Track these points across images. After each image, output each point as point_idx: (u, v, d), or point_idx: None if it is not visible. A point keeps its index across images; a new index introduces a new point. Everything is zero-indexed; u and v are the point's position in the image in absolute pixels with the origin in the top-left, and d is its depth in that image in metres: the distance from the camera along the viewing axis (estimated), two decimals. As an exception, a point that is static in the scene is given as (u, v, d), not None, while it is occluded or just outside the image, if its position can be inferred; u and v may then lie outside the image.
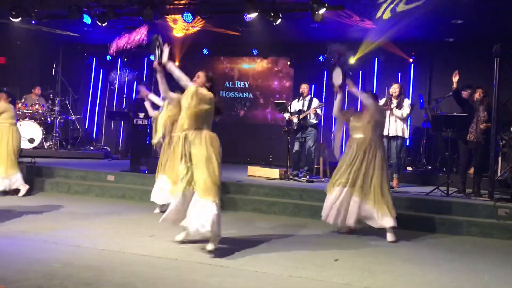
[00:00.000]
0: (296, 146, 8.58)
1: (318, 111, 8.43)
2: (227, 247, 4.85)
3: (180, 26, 9.30)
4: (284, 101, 9.10)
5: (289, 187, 7.42)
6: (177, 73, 4.77)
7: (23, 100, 10.58)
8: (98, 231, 5.38)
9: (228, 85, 12.24)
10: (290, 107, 8.65)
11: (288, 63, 11.61)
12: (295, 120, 8.43)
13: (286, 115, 8.63)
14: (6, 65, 10.88)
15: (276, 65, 12.00)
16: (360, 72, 10.92)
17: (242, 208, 7.10)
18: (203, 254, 4.59)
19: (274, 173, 8.35)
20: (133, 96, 12.44)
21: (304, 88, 8.59)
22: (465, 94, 7.74)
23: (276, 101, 9.59)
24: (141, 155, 8.46)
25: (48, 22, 9.23)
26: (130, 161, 8.56)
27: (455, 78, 7.09)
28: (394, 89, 7.60)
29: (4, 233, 5.01)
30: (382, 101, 7.35)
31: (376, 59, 10.85)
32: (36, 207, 6.56)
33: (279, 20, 7.61)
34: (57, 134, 10.86)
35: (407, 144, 9.52)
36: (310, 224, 6.38)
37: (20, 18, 8.23)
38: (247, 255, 4.65)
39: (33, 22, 8.78)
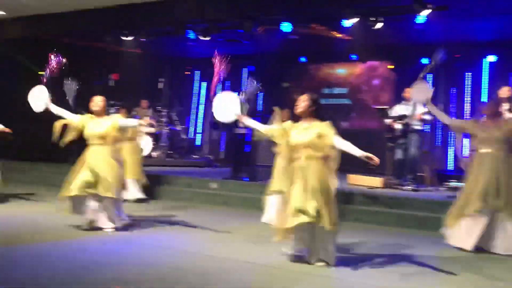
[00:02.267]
0: (399, 153, 8.25)
1: (426, 117, 8.01)
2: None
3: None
4: (386, 107, 8.81)
5: (392, 196, 7.16)
6: (260, 127, 4.73)
7: (134, 113, 11.35)
8: (203, 237, 5.58)
9: (326, 92, 12.15)
10: (392, 113, 8.35)
11: (389, 67, 11.25)
12: (397, 126, 8.13)
13: (388, 121, 8.35)
14: (119, 80, 11.77)
15: (376, 69, 11.69)
16: (466, 73, 10.29)
17: (343, 217, 6.94)
18: (306, 263, 4.58)
19: (376, 181, 8.10)
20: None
21: (408, 92, 8.24)
22: None
23: (377, 107, 9.32)
24: (242, 163, 8.67)
25: (155, 39, 9.86)
26: (232, 169, 8.81)
27: None
28: (506, 92, 7.08)
29: (120, 238, 5.38)
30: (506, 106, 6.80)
31: (485, 59, 10.15)
32: (146, 213, 6.98)
33: (380, 24, 7.42)
34: (164, 144, 11.50)
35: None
36: (417, 235, 6.09)
37: (131, 37, 8.88)
38: (349, 266, 4.54)
39: (142, 40, 9.42)
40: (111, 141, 5.72)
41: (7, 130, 7.39)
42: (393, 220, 6.68)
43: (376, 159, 4.51)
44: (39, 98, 6.13)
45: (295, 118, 4.77)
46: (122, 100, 10.81)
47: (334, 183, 4.62)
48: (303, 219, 4.37)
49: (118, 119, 5.86)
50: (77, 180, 5.56)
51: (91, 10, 8.65)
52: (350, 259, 4.75)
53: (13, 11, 9.06)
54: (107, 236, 5.43)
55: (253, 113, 8.94)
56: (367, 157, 4.52)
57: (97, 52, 10.87)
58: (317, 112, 4.64)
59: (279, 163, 6.00)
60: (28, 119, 10.99)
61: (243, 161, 8.69)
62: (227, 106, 5.42)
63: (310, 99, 4.63)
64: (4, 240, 5.05)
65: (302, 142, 4.52)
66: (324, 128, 4.53)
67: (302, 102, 4.62)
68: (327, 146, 4.52)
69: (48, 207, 7.27)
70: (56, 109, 5.99)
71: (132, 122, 6.14)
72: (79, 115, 5.86)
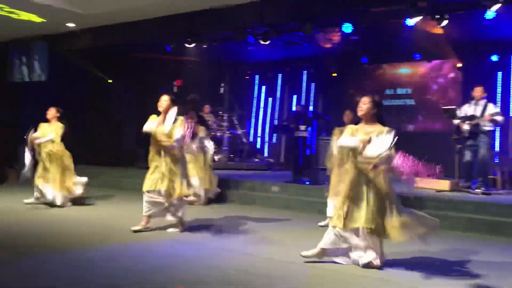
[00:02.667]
0: (468, 155, 7.90)
1: (498, 118, 7.60)
2: (394, 261, 4.66)
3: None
4: (453, 107, 8.46)
5: (461, 199, 6.87)
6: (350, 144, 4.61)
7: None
8: (266, 240, 5.61)
9: (389, 93, 11.87)
10: (460, 113, 8.01)
11: (456, 65, 10.82)
12: (465, 127, 7.79)
13: (456, 122, 8.02)
14: (182, 86, 12.07)
15: (441, 68, 11.27)
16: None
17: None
18: (372, 270, 4.49)
19: (444, 184, 7.80)
20: (293, 110, 12.81)
21: (477, 91, 7.85)
22: None
23: (443, 107, 8.96)
24: (303, 167, 8.64)
25: (216, 44, 10.06)
26: (293, 172, 8.80)
27: None
28: None
29: (186, 240, 5.52)
30: None
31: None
32: (210, 216, 7.11)
33: (445, 22, 7.15)
34: (226, 148, 11.67)
35: None
36: (488, 240, 5.81)
37: (193, 44, 9.10)
38: (414, 271, 4.41)
39: (204, 46, 9.62)
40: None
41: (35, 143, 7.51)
42: (462, 225, 6.42)
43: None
44: None
45: (357, 120, 4.71)
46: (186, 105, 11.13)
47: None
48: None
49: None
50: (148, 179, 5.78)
51: (154, 19, 8.94)
52: (414, 264, 4.62)
53: (82, 23, 9.57)
54: (172, 238, 5.58)
55: (313, 116, 8.93)
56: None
57: (161, 59, 11.24)
58: (379, 115, 4.57)
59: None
60: (98, 126, 11.62)
61: (304, 164, 8.65)
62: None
63: (372, 101, 4.56)
64: (78, 242, 5.32)
65: None
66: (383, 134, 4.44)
67: (364, 105, 4.56)
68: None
69: (115, 209, 7.59)
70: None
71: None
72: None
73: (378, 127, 4.52)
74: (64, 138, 7.58)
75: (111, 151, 11.48)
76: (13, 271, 4.18)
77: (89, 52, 10.43)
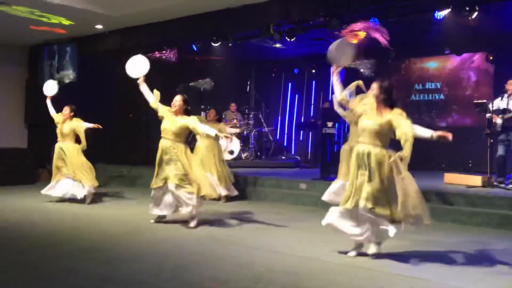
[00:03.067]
0: (500, 150, 7.71)
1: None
2: (429, 260, 4.58)
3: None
4: (485, 101, 8.25)
5: (494, 195, 6.71)
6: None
7: (223, 116, 11.67)
8: (294, 238, 5.59)
9: (417, 87, 11.66)
10: (492, 107, 7.81)
11: (487, 58, 10.55)
12: (498, 121, 7.59)
13: (488, 116, 7.83)
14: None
15: (472, 61, 11.00)
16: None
17: (439, 218, 6.62)
18: (399, 264, 4.43)
19: (476, 180, 7.62)
20: (320, 106, 12.72)
21: (510, 84, 7.63)
22: None
23: (475, 101, 8.74)
24: (330, 164, 8.57)
25: (242, 43, 10.07)
26: (320, 170, 8.74)
27: None
28: None
29: (215, 237, 5.55)
30: None
31: None
32: (238, 213, 7.13)
33: (476, 14, 6.97)
34: (252, 146, 11.69)
35: None
36: (524, 238, 5.65)
37: (219, 43, 9.13)
38: (451, 269, 4.33)
39: (230, 44, 9.65)
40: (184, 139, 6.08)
41: (95, 125, 7.84)
42: (495, 222, 6.27)
43: (449, 135, 4.38)
44: (138, 66, 6.30)
45: None
46: (212, 104, 11.22)
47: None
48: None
49: (194, 122, 5.98)
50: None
51: (180, 19, 9.00)
52: (446, 262, 4.53)
53: (110, 25, 9.72)
54: (199, 235, 5.62)
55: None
56: (440, 136, 4.38)
57: (187, 59, 11.32)
58: (388, 102, 4.56)
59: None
60: (127, 126, 11.79)
61: (332, 161, 8.58)
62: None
63: (380, 87, 4.57)
64: (107, 240, 5.42)
65: (369, 128, 4.52)
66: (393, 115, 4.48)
67: (372, 91, 4.61)
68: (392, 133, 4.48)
69: (143, 208, 7.69)
70: (145, 88, 6.24)
71: (207, 130, 5.93)
72: (160, 105, 6.17)
73: (387, 113, 4.54)
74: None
75: (139, 150, 11.64)
76: (47, 269, 4.29)
77: (117, 53, 10.58)
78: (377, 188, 4.46)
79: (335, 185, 6.46)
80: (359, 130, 4.68)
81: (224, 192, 7.98)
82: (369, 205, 4.46)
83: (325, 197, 6.48)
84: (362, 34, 5.00)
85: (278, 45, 9.73)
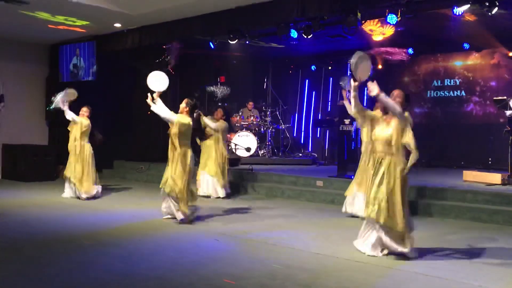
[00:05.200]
0: (521, 147, 7.59)
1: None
2: (446, 258, 4.55)
3: (379, 31, 9.13)
4: (505, 97, 8.12)
5: (514, 193, 6.61)
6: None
7: (240, 114, 11.70)
8: (310, 234, 5.60)
9: (436, 84, 11.52)
10: (513, 104, 7.70)
11: (508, 54, 10.37)
12: (519, 118, 7.48)
13: (508, 113, 7.71)
14: (225, 82, 12.18)
15: (492, 57, 10.81)
16: None
17: (459, 216, 6.58)
18: (416, 262, 4.42)
19: (495, 177, 7.52)
20: (337, 103, 12.66)
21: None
22: None
23: (495, 98, 8.62)
24: (347, 161, 8.54)
25: (259, 40, 10.08)
26: (337, 167, 8.71)
27: None
28: None
29: (231, 234, 5.59)
30: None
31: None
32: (254, 210, 7.16)
33: (496, 9, 6.85)
34: (269, 143, 11.70)
35: None
36: (544, 236, 5.56)
37: (236, 40, 9.15)
38: (469, 268, 4.29)
39: (247, 42, 9.66)
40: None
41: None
42: (515, 220, 6.17)
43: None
44: (160, 81, 6.47)
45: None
46: (226, 102, 11.27)
47: None
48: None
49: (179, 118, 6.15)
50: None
51: (197, 16, 9.05)
52: (464, 260, 4.49)
53: (128, 23, 9.81)
54: (216, 232, 5.66)
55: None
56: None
57: (205, 56, 11.38)
58: (406, 108, 4.67)
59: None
60: (145, 123, 11.91)
61: (349, 158, 8.54)
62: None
63: (403, 96, 4.70)
64: (125, 236, 5.50)
65: (382, 137, 4.63)
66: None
67: (397, 98, 4.68)
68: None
69: (160, 204, 7.76)
70: (160, 103, 6.35)
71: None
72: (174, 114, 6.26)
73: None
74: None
75: (157, 147, 11.73)
76: (68, 263, 4.37)
77: (135, 51, 10.68)
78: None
79: None
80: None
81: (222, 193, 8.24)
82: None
83: None
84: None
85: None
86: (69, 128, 8.17)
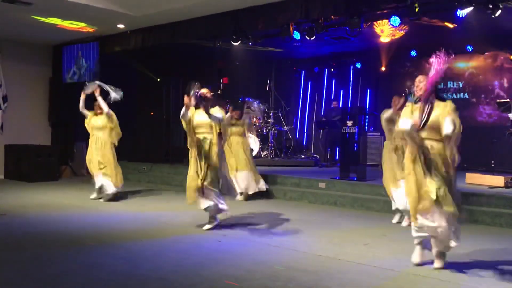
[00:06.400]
0: (524, 150, 7.59)
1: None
2: (450, 261, 4.54)
3: (387, 32, 9.12)
4: (508, 100, 8.13)
5: (517, 196, 6.60)
6: None
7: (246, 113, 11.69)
8: (313, 237, 5.59)
9: (439, 87, 11.47)
10: (516, 106, 7.69)
11: (510, 57, 10.35)
12: (522, 120, 7.47)
13: (511, 115, 7.70)
14: (228, 84, 12.19)
15: (495, 60, 10.80)
16: None
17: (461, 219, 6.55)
18: (421, 266, 4.41)
19: (498, 180, 7.51)
20: (340, 105, 12.66)
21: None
22: None
23: (498, 100, 8.62)
24: (350, 163, 8.53)
25: (262, 41, 10.09)
26: (340, 169, 8.70)
27: None
28: None
29: (234, 235, 5.59)
30: None
31: None
32: (257, 211, 7.16)
33: (499, 12, 6.84)
34: (272, 144, 11.71)
35: None
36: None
37: (239, 42, 9.16)
38: (472, 271, 4.28)
39: (249, 43, 9.67)
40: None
41: None
42: (519, 223, 6.16)
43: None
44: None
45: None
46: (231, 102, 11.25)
47: None
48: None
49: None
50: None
51: (200, 18, 9.06)
52: (466, 263, 4.49)
53: (132, 25, 9.83)
54: (219, 233, 5.66)
55: (360, 111, 8.79)
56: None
57: (208, 57, 11.39)
58: (436, 93, 4.48)
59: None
60: (148, 124, 11.93)
61: (351, 160, 8.54)
62: None
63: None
64: (128, 237, 5.50)
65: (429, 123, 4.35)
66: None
67: (420, 83, 4.58)
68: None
69: (164, 205, 7.78)
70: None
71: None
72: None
73: (439, 103, 4.40)
74: None
75: (160, 148, 11.76)
76: (71, 263, 4.38)
77: (138, 52, 10.70)
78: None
79: None
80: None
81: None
82: None
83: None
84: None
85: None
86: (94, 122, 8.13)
